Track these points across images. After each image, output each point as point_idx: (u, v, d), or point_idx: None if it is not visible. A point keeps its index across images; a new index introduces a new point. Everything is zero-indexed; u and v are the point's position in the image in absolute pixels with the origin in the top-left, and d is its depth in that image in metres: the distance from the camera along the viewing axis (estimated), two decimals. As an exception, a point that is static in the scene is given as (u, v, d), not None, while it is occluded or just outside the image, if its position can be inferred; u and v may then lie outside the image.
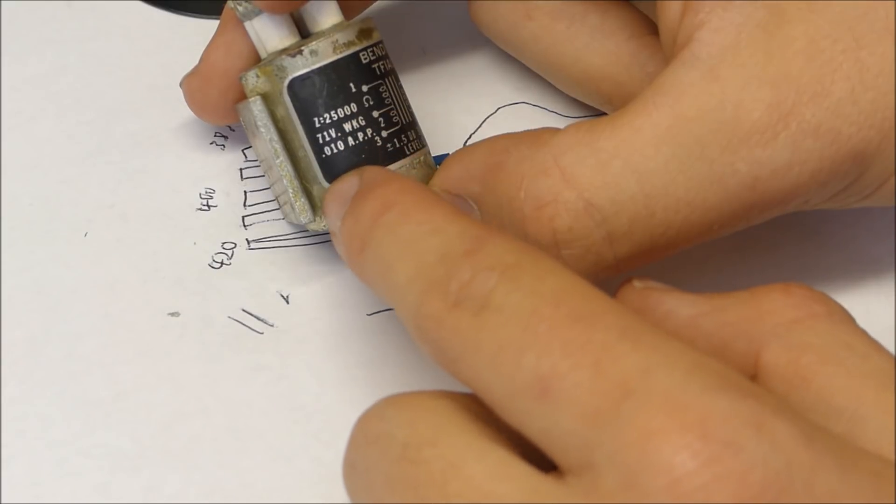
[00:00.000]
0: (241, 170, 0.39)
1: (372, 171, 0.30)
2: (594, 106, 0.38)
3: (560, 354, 0.23)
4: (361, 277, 0.29)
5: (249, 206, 0.38)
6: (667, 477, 0.22)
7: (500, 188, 0.31)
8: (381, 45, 0.34)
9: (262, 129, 0.33)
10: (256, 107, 0.33)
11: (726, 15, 0.30)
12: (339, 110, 0.33)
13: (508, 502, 0.23)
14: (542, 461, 0.24)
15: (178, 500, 0.31)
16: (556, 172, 0.30)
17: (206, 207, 0.38)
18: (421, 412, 0.25)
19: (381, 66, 0.33)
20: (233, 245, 0.37)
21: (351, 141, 0.33)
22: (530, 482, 0.23)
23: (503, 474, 0.23)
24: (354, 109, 0.33)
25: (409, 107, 0.34)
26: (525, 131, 0.32)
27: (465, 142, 0.39)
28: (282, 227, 0.37)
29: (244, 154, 0.39)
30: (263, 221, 0.37)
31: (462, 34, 0.42)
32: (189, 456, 0.32)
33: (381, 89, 0.33)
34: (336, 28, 0.33)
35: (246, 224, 0.37)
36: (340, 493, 0.27)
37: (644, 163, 0.30)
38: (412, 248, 0.26)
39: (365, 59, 0.33)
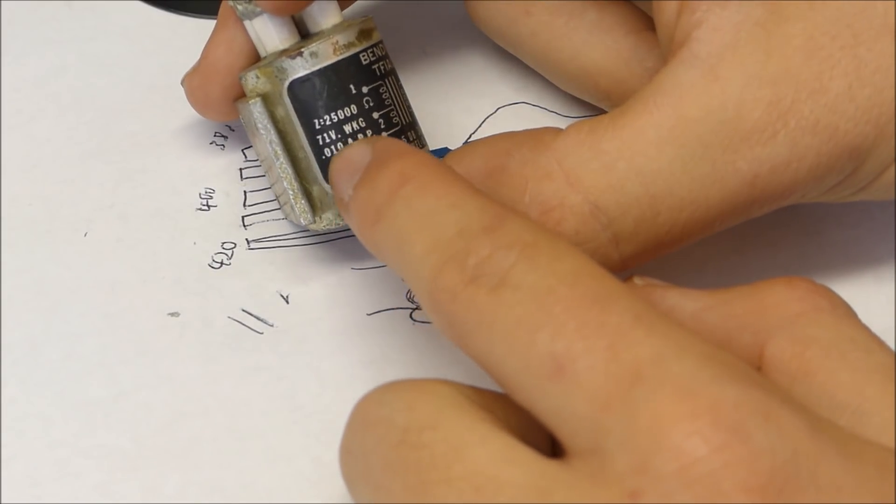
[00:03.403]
0: (241, 170, 0.39)
1: (384, 142, 0.29)
2: (592, 102, 0.38)
3: (575, 335, 0.24)
4: (373, 249, 0.28)
5: (249, 206, 0.38)
6: (678, 462, 0.22)
7: (502, 191, 0.31)
8: (381, 46, 0.34)
9: (262, 132, 0.33)
10: (256, 109, 0.33)
11: (724, 13, 0.30)
12: (340, 112, 0.33)
13: (514, 485, 0.23)
14: (541, 450, 0.24)
15: (178, 500, 0.31)
16: (559, 176, 0.30)
17: (206, 207, 0.38)
18: (421, 396, 0.25)
19: (382, 67, 0.33)
20: (233, 245, 0.37)
21: (351, 142, 0.33)
22: (535, 466, 0.23)
23: (507, 458, 0.24)
24: (354, 111, 0.32)
25: (409, 107, 0.34)
26: (524, 132, 0.32)
27: (465, 142, 0.39)
28: (282, 227, 0.37)
29: (244, 154, 0.39)
30: (263, 221, 0.37)
31: (462, 34, 0.42)
32: (189, 456, 0.32)
33: (381, 90, 0.33)
34: (336, 28, 0.33)
35: (246, 224, 0.37)
36: (340, 493, 0.27)
37: (648, 164, 0.30)
38: (430, 222, 0.26)
39: (365, 60, 0.33)
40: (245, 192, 0.38)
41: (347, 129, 0.32)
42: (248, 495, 0.31)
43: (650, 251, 0.31)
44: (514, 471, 0.23)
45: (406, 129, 0.34)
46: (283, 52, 0.33)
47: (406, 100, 0.34)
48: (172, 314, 0.35)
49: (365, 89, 0.33)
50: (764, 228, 0.36)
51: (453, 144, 0.39)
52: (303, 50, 0.32)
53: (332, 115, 0.33)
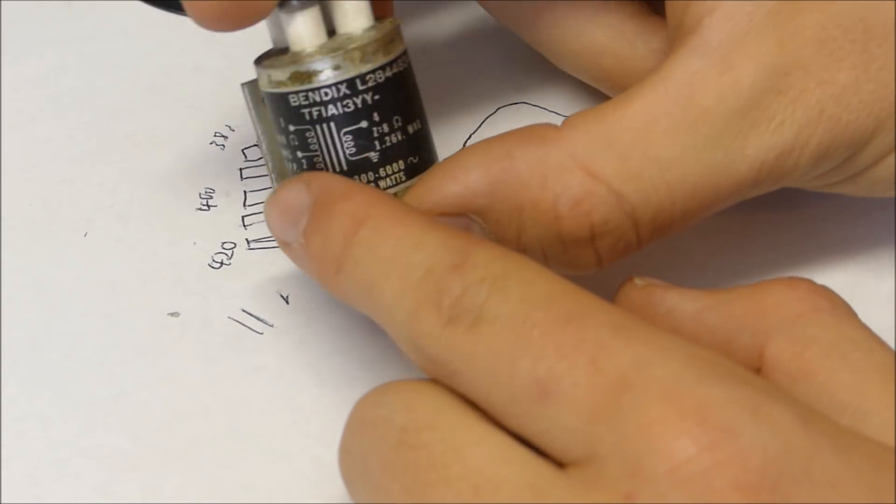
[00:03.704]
0: (241, 170, 0.39)
1: (321, 180, 0.29)
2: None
3: (555, 357, 0.24)
4: (338, 295, 0.28)
5: (249, 206, 0.38)
6: (669, 463, 0.22)
7: (517, 194, 0.30)
8: (318, 91, 0.30)
9: (248, 111, 0.32)
10: (244, 89, 0.32)
11: (736, 2, 0.30)
12: (278, 135, 0.32)
13: (512, 485, 0.23)
14: (537, 452, 0.24)
15: (178, 501, 0.31)
16: (576, 169, 0.30)
17: (206, 207, 0.38)
18: (419, 397, 0.25)
19: (315, 112, 0.30)
20: (233, 245, 0.37)
21: (288, 166, 0.32)
22: (533, 466, 0.23)
23: (505, 458, 0.24)
24: (284, 142, 0.31)
25: (350, 156, 0.31)
26: (515, 132, 0.31)
27: (465, 142, 0.39)
28: (282, 227, 0.37)
29: (244, 154, 0.39)
30: (263, 221, 0.37)
31: (463, 34, 0.42)
32: (189, 456, 0.32)
33: (307, 135, 0.31)
34: (300, 57, 0.31)
35: (246, 224, 0.37)
36: (340, 493, 0.27)
37: (663, 152, 0.30)
38: (395, 265, 0.26)
39: (294, 101, 0.31)
40: (245, 192, 0.38)
41: (284, 153, 0.32)
42: (248, 495, 0.31)
43: (660, 234, 0.31)
44: (512, 470, 0.23)
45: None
46: (267, 53, 0.32)
47: (350, 149, 0.31)
48: (172, 314, 0.35)
49: (292, 128, 0.31)
50: (764, 228, 0.36)
51: (453, 145, 0.39)
52: (260, 63, 0.31)
53: (277, 133, 0.32)
